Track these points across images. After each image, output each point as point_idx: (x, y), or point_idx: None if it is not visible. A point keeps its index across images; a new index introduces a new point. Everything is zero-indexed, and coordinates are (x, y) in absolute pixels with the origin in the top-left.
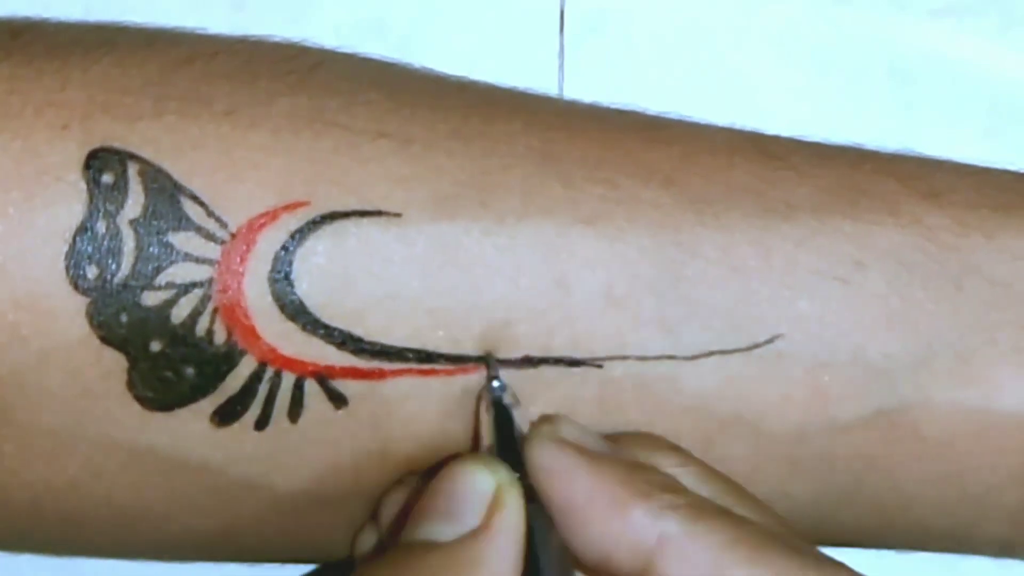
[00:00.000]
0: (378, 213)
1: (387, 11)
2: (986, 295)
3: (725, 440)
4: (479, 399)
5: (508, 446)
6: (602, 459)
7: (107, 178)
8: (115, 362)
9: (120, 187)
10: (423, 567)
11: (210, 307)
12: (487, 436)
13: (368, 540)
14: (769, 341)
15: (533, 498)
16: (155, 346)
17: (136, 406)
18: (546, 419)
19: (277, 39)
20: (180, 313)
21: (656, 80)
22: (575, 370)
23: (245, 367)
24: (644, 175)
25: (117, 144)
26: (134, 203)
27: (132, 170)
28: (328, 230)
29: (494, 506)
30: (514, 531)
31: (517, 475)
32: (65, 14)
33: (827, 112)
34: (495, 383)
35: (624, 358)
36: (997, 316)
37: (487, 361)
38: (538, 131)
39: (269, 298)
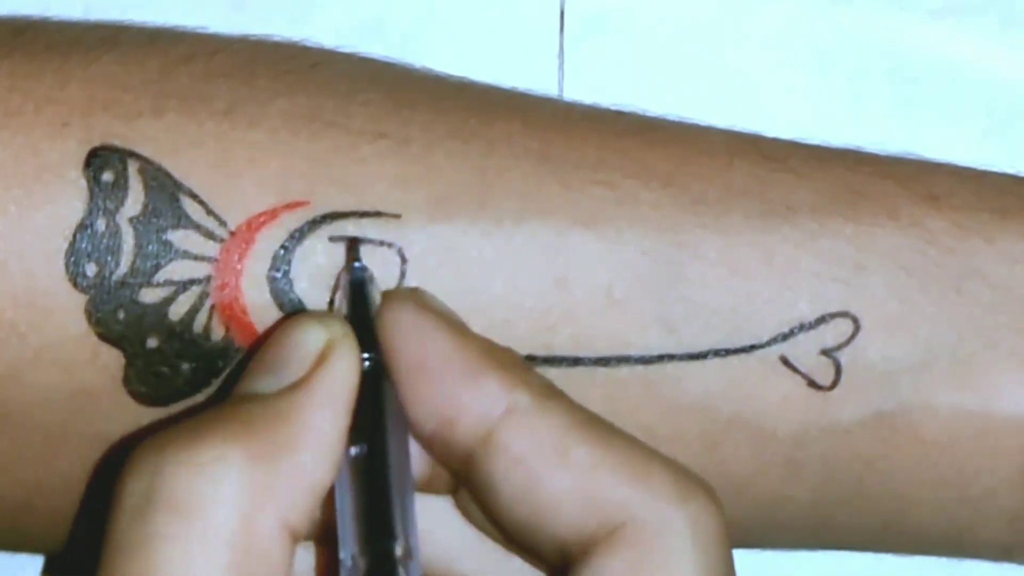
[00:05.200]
0: (377, 214)
1: (387, 11)
2: (986, 299)
3: (728, 442)
4: (337, 279)
5: (363, 323)
6: (462, 329)
7: (107, 176)
8: (112, 359)
9: (120, 185)
10: (239, 417)
11: (208, 304)
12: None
13: None
14: (770, 342)
15: (379, 365)
16: (152, 342)
17: (131, 403)
18: (409, 288)
19: (277, 39)
20: (178, 310)
21: (656, 80)
22: (579, 370)
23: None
24: (643, 176)
25: (117, 142)
26: (134, 201)
27: (132, 168)
28: (327, 230)
29: (318, 360)
30: (339, 385)
31: (350, 330)
32: (65, 14)
33: (827, 113)
34: (356, 264)
35: (627, 358)
36: (996, 320)
37: (350, 244)
38: (537, 132)
39: (268, 296)
